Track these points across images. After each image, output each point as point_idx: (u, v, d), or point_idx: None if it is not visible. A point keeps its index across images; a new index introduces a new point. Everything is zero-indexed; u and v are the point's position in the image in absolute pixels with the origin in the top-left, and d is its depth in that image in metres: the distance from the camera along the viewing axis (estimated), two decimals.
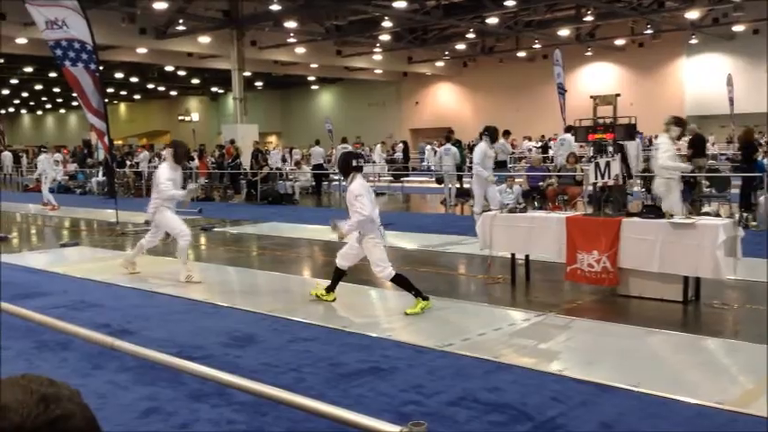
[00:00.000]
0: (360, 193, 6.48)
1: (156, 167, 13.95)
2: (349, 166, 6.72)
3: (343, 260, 6.97)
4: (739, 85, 27.91)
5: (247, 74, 30.53)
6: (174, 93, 50.43)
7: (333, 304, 7.32)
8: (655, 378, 4.64)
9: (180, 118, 51.73)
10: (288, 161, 26.41)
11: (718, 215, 10.77)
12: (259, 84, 43.53)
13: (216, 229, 13.71)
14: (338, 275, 7.04)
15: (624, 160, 7.15)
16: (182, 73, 38.61)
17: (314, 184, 21.74)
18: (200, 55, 31.12)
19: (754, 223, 11.42)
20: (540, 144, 28.87)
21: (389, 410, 4.17)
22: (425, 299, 6.56)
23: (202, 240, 12.75)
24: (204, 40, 27.95)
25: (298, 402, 2.53)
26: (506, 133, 17.70)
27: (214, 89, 47.32)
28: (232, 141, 23.03)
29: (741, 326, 6.30)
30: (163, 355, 4.09)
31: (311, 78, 42.89)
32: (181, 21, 25.91)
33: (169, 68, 37.01)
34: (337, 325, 6.26)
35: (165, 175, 8.44)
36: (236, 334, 6.02)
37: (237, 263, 9.68)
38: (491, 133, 10.98)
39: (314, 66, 35.89)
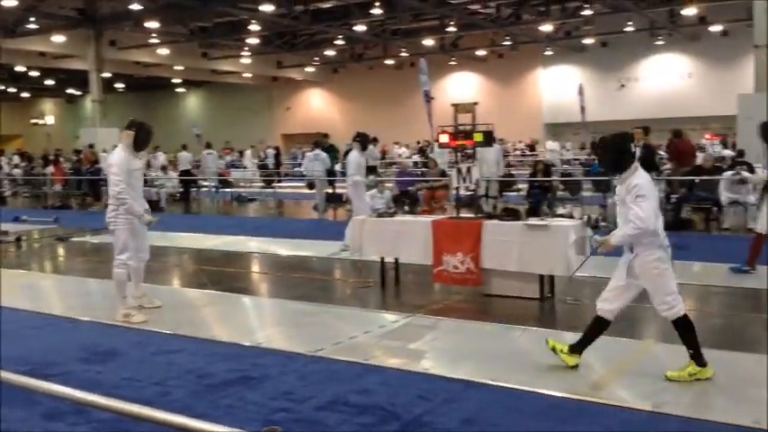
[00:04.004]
0: (644, 194, 4.61)
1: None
2: (626, 154, 4.74)
3: (609, 303, 4.91)
4: (589, 95, 29.86)
5: (107, 75, 29.14)
6: (26, 94, 47.17)
7: (202, 314, 7.13)
8: (513, 372, 4.90)
9: (33, 121, 48.57)
10: (152, 166, 25.38)
11: (571, 217, 11.50)
12: (120, 85, 41.57)
13: (74, 239, 12.97)
14: (598, 329, 4.94)
15: None
16: (34, 73, 36.21)
17: (182, 190, 21.07)
18: (53, 55, 29.33)
19: (604, 224, 12.28)
20: (415, 150, 29.08)
21: (258, 419, 4.14)
22: (702, 365, 4.63)
23: (60, 251, 12.04)
24: (58, 39, 26.38)
25: (155, 417, 2.48)
26: (374, 140, 18.16)
27: (70, 91, 44.67)
28: (91, 146, 21.91)
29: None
30: (10, 374, 3.82)
31: (176, 81, 41.47)
32: (32, 19, 24.33)
33: (20, 68, 34.61)
34: (206, 335, 6.12)
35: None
36: (97, 348, 5.75)
37: (97, 274, 9.19)
38: (363, 140, 10.78)
39: (178, 68, 34.81)
